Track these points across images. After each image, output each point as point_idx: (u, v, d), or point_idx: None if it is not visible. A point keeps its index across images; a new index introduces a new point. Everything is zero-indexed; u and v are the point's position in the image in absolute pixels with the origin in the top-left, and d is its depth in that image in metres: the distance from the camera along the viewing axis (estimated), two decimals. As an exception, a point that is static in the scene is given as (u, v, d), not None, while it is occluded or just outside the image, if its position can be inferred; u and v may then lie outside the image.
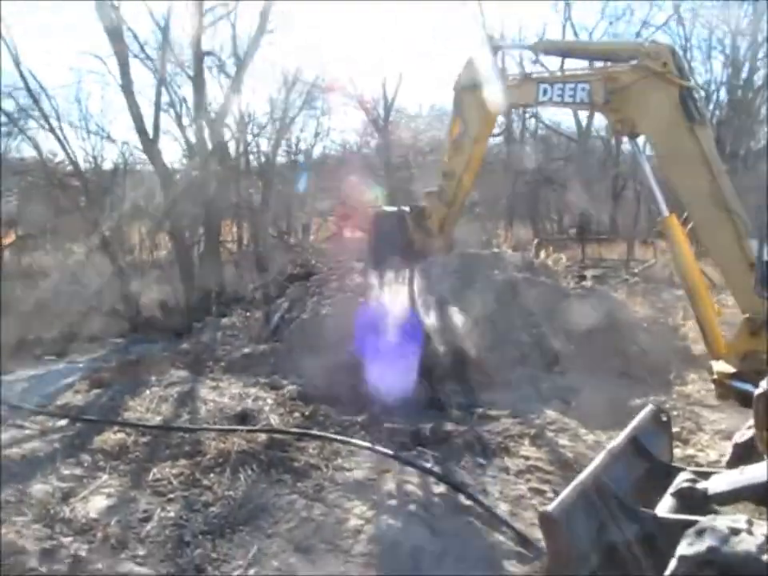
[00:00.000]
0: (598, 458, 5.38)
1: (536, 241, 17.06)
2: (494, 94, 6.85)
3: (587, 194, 33.92)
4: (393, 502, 5.63)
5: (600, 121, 32.65)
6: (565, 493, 4.74)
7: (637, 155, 6.48)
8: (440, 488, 5.85)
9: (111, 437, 7.04)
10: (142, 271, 17.04)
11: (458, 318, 9.46)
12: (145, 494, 5.86)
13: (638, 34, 27.14)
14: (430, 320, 9.32)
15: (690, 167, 5.53)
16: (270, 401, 8.15)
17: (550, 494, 5.88)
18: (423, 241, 7.76)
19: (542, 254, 13.17)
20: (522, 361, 9.28)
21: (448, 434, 6.82)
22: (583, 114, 30.35)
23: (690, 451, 7.08)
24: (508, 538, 5.21)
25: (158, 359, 10.25)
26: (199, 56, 13.87)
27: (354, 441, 6.68)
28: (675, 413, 7.82)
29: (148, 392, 8.58)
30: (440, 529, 5.26)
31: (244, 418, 7.57)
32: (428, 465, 6.22)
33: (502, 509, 5.60)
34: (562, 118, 33.04)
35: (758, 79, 26.78)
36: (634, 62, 5.87)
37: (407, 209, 7.92)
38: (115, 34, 12.79)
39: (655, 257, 22.82)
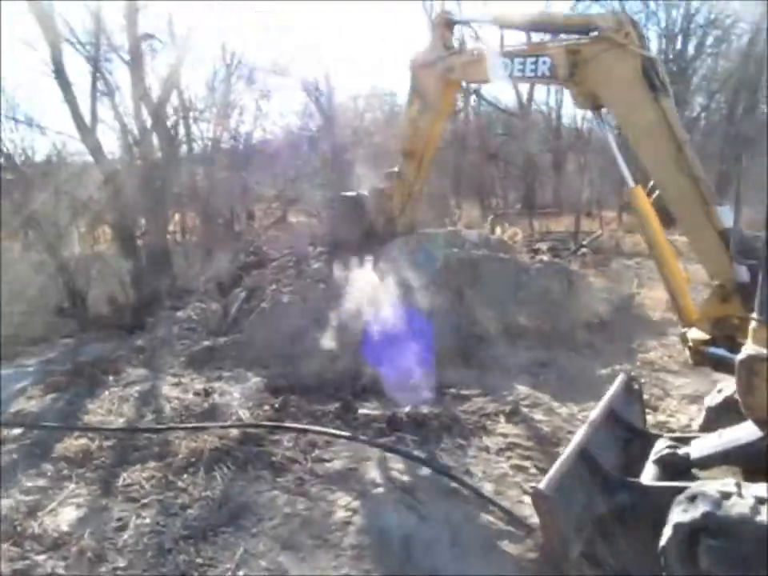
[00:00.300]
0: (581, 432, 5.42)
1: (491, 217, 17.10)
2: (452, 70, 6.72)
3: (530, 168, 34.50)
4: (377, 490, 5.51)
5: (541, 95, 33.12)
6: (553, 469, 4.75)
7: (601, 128, 6.41)
8: (423, 472, 5.77)
9: (73, 443, 6.70)
10: (85, 266, 16.28)
11: (421, 299, 9.36)
12: (117, 501, 5.59)
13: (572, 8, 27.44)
14: (395, 303, 9.21)
15: (655, 137, 5.50)
16: (236, 395, 7.92)
17: (533, 470, 5.90)
18: (386, 223, 7.61)
19: (498, 230, 13.18)
20: (488, 338, 9.28)
21: (424, 416, 6.74)
22: (524, 88, 30.63)
23: (661, 417, 7.23)
24: (497, 518, 5.18)
25: (114, 358, 9.83)
26: (136, 39, 13.23)
27: (331, 431, 6.53)
28: (642, 380, 7.96)
29: (107, 393, 8.23)
30: (428, 514, 5.19)
31: (212, 414, 7.35)
32: (408, 450, 6.13)
33: (487, 489, 5.57)
34: (500, 93, 33.08)
35: (692, 49, 27.46)
36: (594, 34, 5.81)
37: (366, 192, 7.73)
38: (45, 18, 12.05)
39: (601, 228, 23.28)
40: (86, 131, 13.56)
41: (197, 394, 8.01)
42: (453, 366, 8.42)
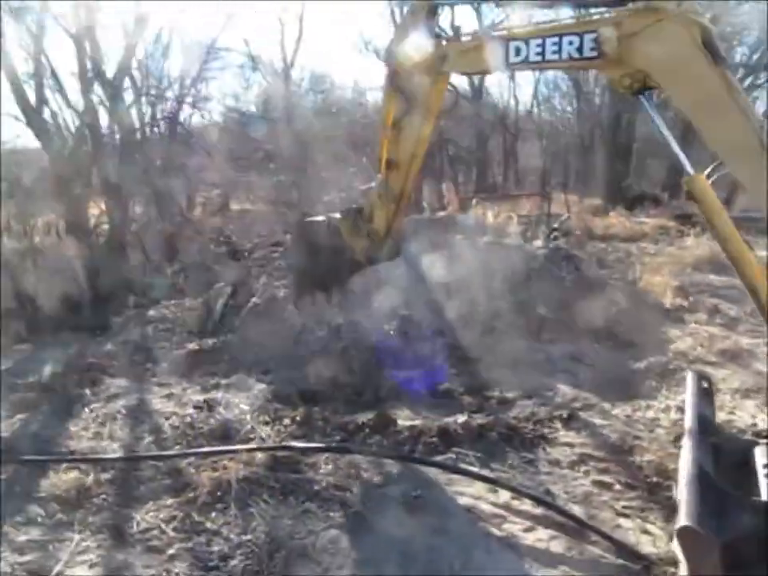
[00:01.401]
0: (687, 447, 4.77)
1: (474, 201, 16.38)
2: (445, 62, 5.58)
3: (482, 152, 34.22)
4: (458, 522, 4.67)
5: (491, 82, 32.53)
6: (685, 498, 4.09)
7: (650, 112, 5.52)
8: (501, 497, 4.97)
9: (62, 477, 5.52)
10: (31, 261, 14.68)
11: (436, 293, 8.55)
12: (136, 554, 4.53)
13: None
14: (407, 298, 8.38)
15: (725, 113, 4.76)
16: (244, 407, 6.90)
17: (618, 487, 5.20)
18: (367, 248, 6.40)
19: (490, 215, 12.47)
20: (511, 331, 8.54)
21: (481, 427, 5.93)
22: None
23: (722, 415, 6.62)
24: (603, 549, 4.43)
25: (85, 366, 8.59)
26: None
27: (395, 455, 5.57)
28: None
29: (87, 411, 7.07)
30: (526, 551, 4.40)
31: (223, 432, 6.34)
32: (474, 468, 5.32)
33: (576, 512, 4.82)
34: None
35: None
36: (639, 4, 4.99)
37: (337, 214, 6.53)
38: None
39: (568, 211, 23.00)
40: (32, 113, 12.04)
41: (197, 407, 6.93)
42: (481, 363, 7.63)
